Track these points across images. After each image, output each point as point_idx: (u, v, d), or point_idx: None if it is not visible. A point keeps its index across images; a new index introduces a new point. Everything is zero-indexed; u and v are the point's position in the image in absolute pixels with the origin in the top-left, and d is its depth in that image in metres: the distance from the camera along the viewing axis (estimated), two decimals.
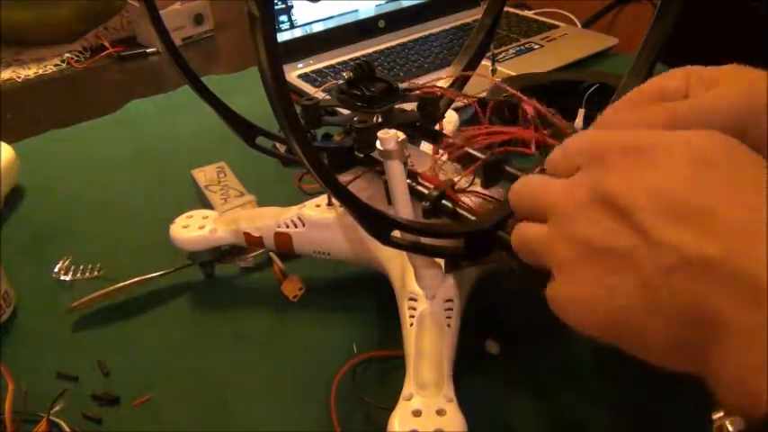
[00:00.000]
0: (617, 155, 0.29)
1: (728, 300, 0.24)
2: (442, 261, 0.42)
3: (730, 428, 0.23)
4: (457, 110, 0.58)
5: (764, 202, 0.25)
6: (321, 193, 0.51)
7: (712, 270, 0.24)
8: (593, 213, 0.29)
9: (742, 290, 0.24)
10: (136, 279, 0.52)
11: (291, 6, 0.88)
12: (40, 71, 0.97)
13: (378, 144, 0.36)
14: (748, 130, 0.31)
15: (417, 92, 0.46)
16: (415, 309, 0.42)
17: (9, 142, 0.68)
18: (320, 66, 0.87)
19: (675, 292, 0.26)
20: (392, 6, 0.97)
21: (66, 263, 0.56)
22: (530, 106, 0.39)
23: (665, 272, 0.26)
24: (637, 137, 0.30)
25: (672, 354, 0.27)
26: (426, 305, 0.42)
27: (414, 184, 0.41)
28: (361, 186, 0.44)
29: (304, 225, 0.49)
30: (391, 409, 0.37)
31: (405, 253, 0.41)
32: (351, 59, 0.88)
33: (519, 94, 0.40)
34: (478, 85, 0.52)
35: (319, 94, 0.48)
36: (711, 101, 0.32)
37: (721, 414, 0.24)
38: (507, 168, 0.41)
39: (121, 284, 0.52)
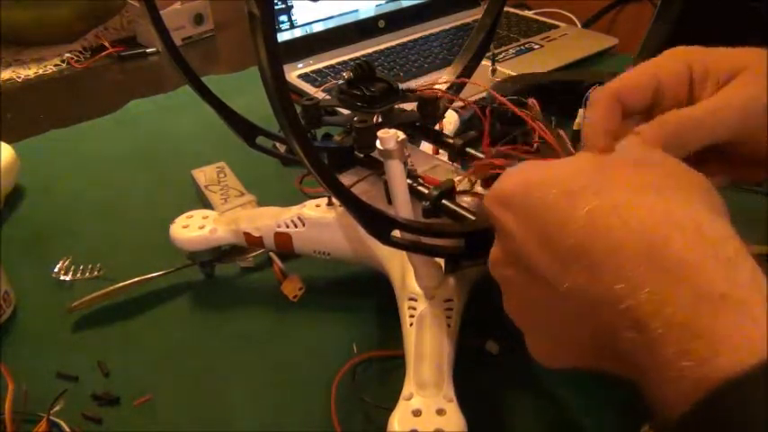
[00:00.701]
0: (499, 213, 0.29)
1: (623, 338, 0.24)
2: (442, 261, 0.42)
3: None
4: (457, 110, 0.58)
5: (631, 223, 0.24)
6: (323, 195, 0.51)
7: (606, 310, 0.24)
8: (507, 276, 0.30)
9: (631, 329, 0.23)
10: (136, 279, 0.52)
11: (291, 6, 0.88)
12: (40, 71, 0.97)
13: (378, 144, 0.36)
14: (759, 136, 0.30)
15: (418, 92, 0.46)
16: (414, 309, 0.42)
17: (9, 142, 0.68)
18: (320, 66, 0.87)
19: (593, 333, 0.26)
20: (392, 6, 0.97)
21: (66, 263, 0.56)
22: (523, 113, 0.38)
23: (577, 315, 0.26)
24: (509, 186, 0.29)
25: (623, 372, 0.27)
26: (426, 305, 0.42)
27: (414, 183, 0.41)
28: (363, 188, 0.44)
29: (304, 225, 0.49)
30: (391, 409, 0.37)
31: (405, 253, 0.41)
32: (351, 59, 0.88)
33: (508, 102, 0.39)
34: (479, 86, 0.52)
35: (319, 94, 0.48)
36: (730, 107, 0.30)
37: (647, 428, 0.25)
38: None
39: (121, 284, 0.52)
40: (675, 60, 0.32)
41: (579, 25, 1.03)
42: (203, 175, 0.65)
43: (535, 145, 0.38)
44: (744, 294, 0.22)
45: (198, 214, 0.54)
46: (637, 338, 0.23)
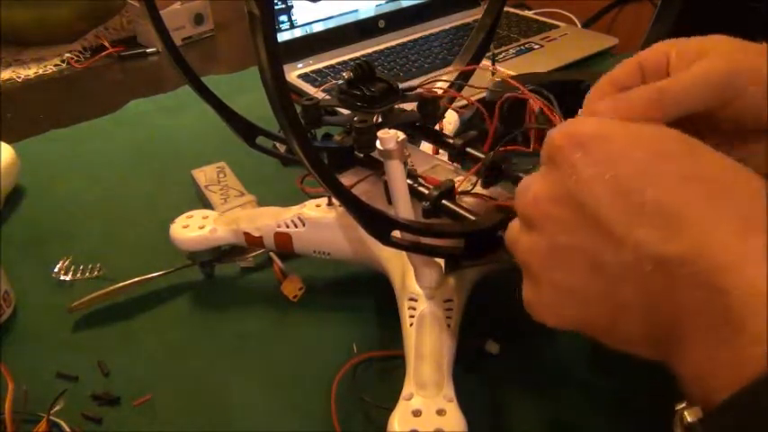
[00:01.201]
0: (568, 150, 0.28)
1: (689, 299, 0.24)
2: (442, 261, 0.42)
3: (688, 419, 0.24)
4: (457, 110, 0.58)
5: (725, 196, 0.25)
6: (323, 195, 0.51)
7: (675, 269, 0.24)
8: (553, 213, 0.28)
9: (702, 290, 0.24)
10: (136, 279, 0.52)
11: (291, 6, 0.88)
12: (40, 71, 0.97)
13: (378, 144, 0.36)
14: (732, 101, 0.31)
15: (418, 90, 0.46)
16: (414, 309, 0.42)
17: (9, 142, 0.68)
18: (320, 66, 0.87)
19: (640, 291, 0.26)
20: (392, 6, 0.97)
21: (66, 263, 0.56)
22: (536, 102, 0.39)
23: (630, 270, 0.26)
24: (588, 129, 0.29)
25: (643, 347, 0.28)
26: (426, 305, 0.42)
27: (414, 183, 0.41)
28: (363, 188, 0.44)
29: (304, 225, 0.49)
30: (391, 409, 0.37)
31: (405, 253, 0.41)
32: (351, 59, 0.88)
33: (525, 89, 0.39)
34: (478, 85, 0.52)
35: (319, 94, 0.48)
36: (696, 76, 0.31)
37: (684, 405, 0.25)
38: (507, 168, 0.41)
39: (121, 284, 0.52)
40: (656, 50, 0.35)
41: (579, 25, 1.02)
42: (203, 175, 0.65)
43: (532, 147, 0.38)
44: None
45: (198, 214, 0.54)
46: (707, 298, 0.23)
